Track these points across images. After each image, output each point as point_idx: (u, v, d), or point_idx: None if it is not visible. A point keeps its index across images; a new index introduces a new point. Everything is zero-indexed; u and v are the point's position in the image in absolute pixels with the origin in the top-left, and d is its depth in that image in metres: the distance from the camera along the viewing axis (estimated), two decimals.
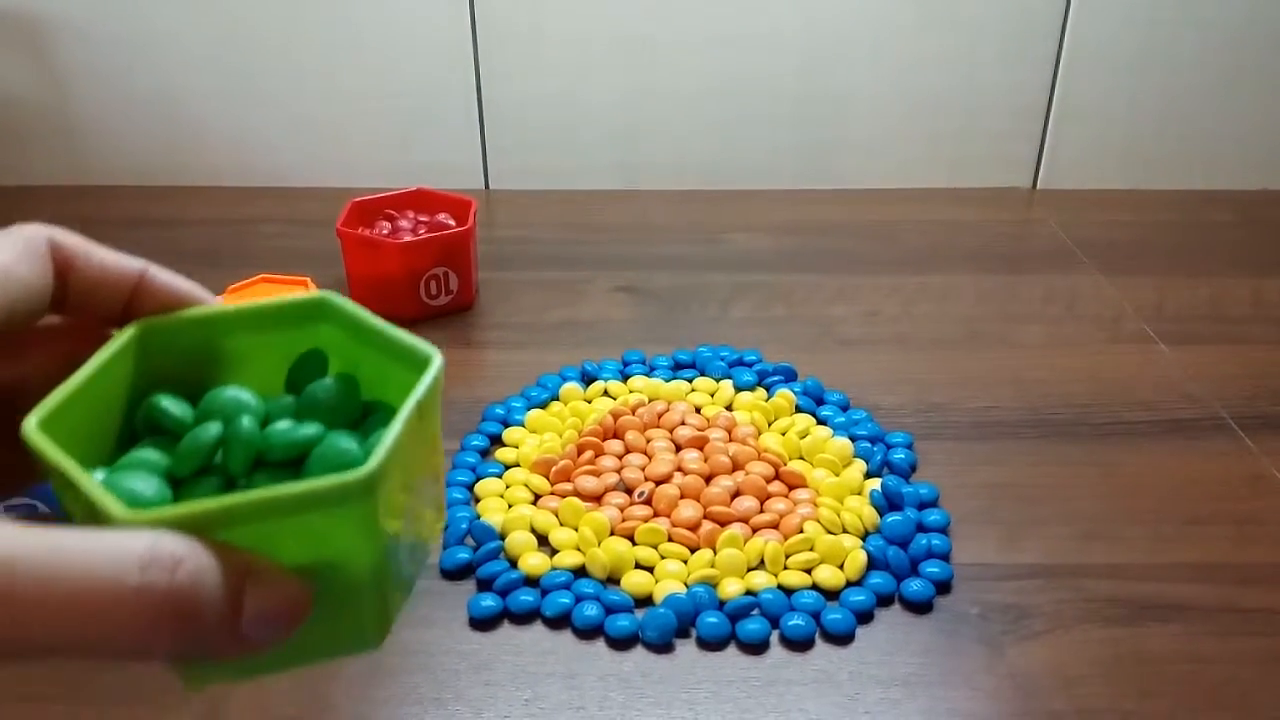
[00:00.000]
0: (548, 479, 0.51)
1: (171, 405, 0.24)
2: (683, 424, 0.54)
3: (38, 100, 0.86)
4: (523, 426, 0.55)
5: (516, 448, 0.54)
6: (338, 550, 0.21)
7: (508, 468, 0.53)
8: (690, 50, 0.85)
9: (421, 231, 0.68)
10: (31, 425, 0.21)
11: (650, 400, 0.57)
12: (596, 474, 0.51)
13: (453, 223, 0.69)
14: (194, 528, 0.19)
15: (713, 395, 0.58)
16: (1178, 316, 0.69)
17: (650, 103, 0.87)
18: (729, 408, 0.57)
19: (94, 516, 0.19)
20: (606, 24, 0.84)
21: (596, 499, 0.49)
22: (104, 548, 0.18)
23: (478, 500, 0.50)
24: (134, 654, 0.19)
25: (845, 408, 0.58)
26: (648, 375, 0.60)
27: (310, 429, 0.23)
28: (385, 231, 0.69)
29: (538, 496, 0.50)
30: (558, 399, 0.58)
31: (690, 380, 0.59)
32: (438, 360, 0.23)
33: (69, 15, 0.83)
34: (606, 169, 0.89)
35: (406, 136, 0.88)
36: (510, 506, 0.49)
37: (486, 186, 0.90)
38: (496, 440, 0.55)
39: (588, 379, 0.60)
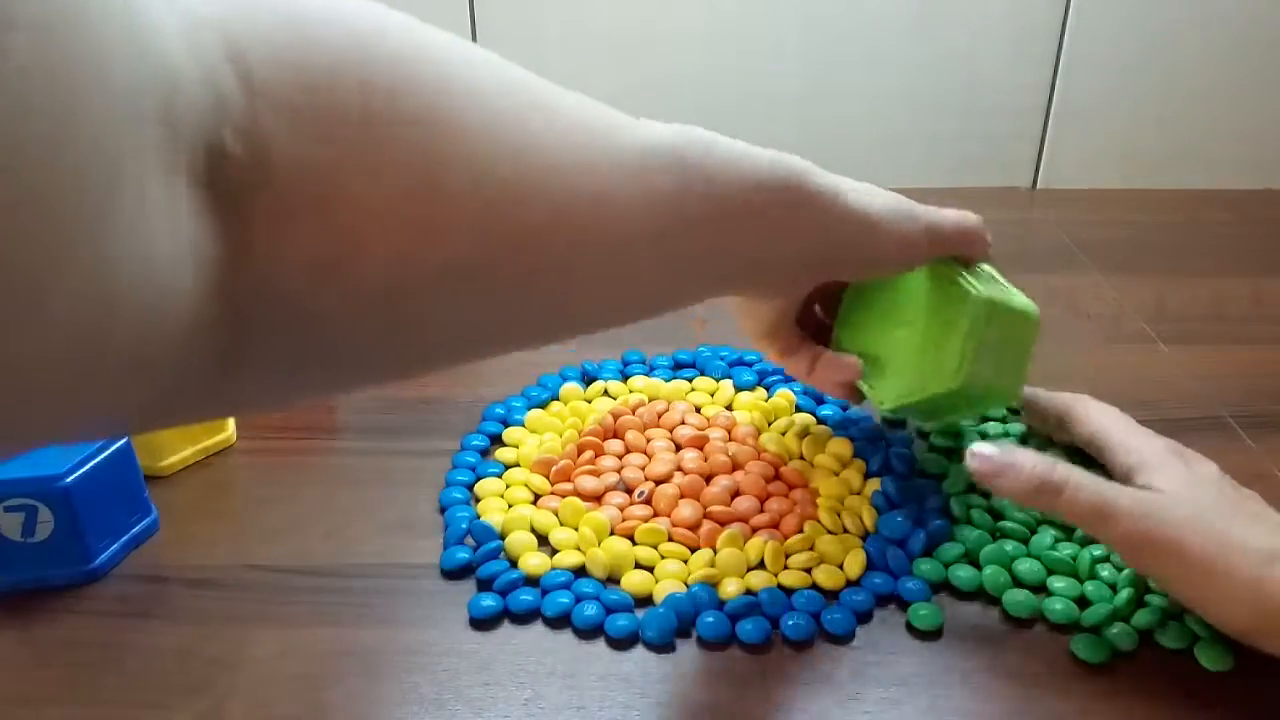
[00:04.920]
0: (548, 479, 0.51)
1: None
2: (683, 424, 0.54)
3: None
4: (523, 426, 0.55)
5: (516, 448, 0.54)
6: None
7: (508, 468, 0.53)
8: (690, 50, 0.85)
9: None
10: None
11: (650, 400, 0.57)
12: (596, 474, 0.51)
13: None
14: None
15: (713, 395, 0.58)
16: (1178, 316, 0.69)
17: (650, 102, 0.87)
18: (729, 407, 0.57)
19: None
20: (606, 24, 0.84)
21: (596, 499, 0.49)
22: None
23: (478, 500, 0.50)
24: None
25: (845, 408, 0.58)
26: (648, 375, 0.60)
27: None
28: None
29: (538, 496, 0.50)
30: (558, 399, 0.58)
31: (690, 380, 0.59)
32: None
33: None
34: None
35: None
36: (510, 506, 0.49)
37: None
38: (496, 440, 0.55)
39: (588, 379, 0.60)
